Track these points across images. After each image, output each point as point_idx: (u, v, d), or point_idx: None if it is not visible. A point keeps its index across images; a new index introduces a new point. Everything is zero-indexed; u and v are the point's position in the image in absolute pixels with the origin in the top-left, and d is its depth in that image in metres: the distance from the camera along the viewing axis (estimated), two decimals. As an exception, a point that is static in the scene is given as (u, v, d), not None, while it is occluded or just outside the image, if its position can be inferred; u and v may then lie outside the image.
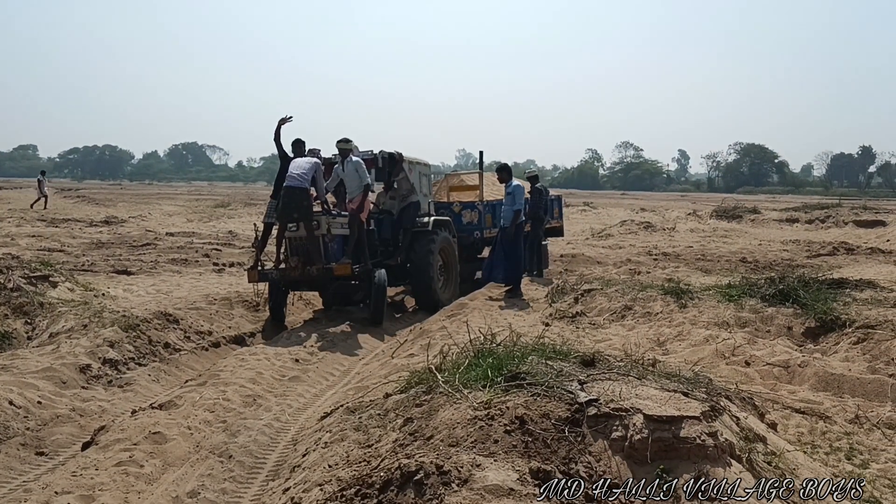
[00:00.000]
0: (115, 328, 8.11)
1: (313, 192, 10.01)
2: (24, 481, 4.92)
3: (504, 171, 12.02)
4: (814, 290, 8.26)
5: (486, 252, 14.36)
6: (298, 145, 10.54)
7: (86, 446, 5.40)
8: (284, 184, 9.84)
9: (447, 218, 12.55)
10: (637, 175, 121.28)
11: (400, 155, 11.70)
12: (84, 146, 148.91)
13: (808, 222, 29.15)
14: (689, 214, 32.92)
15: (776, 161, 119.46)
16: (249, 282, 10.29)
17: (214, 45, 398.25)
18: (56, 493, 4.30)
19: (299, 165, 9.91)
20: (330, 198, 10.85)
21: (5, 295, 8.89)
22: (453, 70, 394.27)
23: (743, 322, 7.77)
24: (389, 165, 11.73)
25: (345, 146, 10.49)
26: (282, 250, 10.16)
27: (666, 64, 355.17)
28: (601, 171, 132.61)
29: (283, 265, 10.13)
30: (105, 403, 6.70)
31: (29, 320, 8.60)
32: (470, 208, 13.64)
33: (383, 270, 10.47)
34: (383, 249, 11.65)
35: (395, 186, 11.92)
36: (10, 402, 6.05)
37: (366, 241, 10.52)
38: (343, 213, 10.50)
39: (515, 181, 11.89)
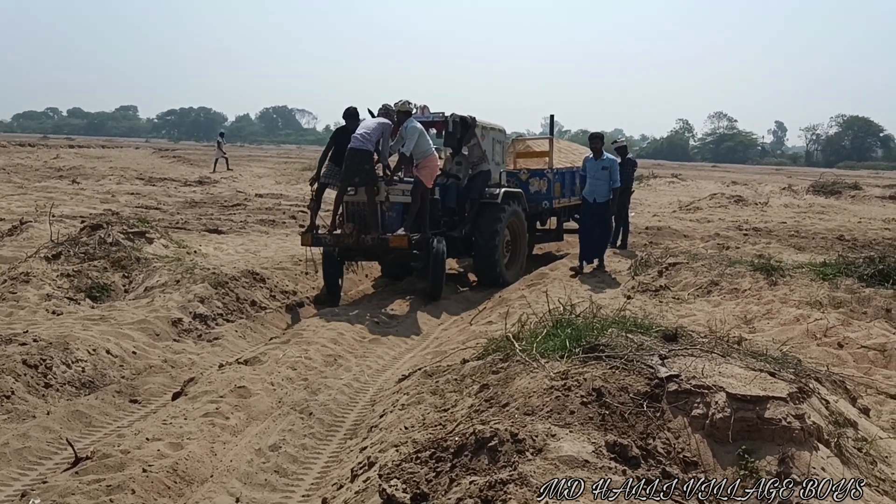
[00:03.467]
0: (206, 285, 8.43)
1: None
2: (118, 427, 5.20)
3: (599, 140, 11.02)
4: (916, 272, 7.82)
5: (549, 223, 13.67)
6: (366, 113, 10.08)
7: (176, 396, 5.64)
8: (349, 145, 9.37)
9: (519, 190, 11.76)
10: (730, 147, 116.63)
11: (473, 119, 10.75)
12: (181, 108, 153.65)
13: (913, 200, 27.52)
14: (784, 189, 31.48)
15: (881, 135, 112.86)
16: (303, 245, 9.86)
17: (305, 12, 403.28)
18: (147, 439, 4.50)
19: (366, 126, 9.47)
20: (393, 159, 10.06)
21: (105, 249, 9.35)
22: (541, 36, 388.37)
23: (837, 302, 7.43)
24: (461, 130, 10.73)
25: (402, 107, 9.83)
26: (338, 214, 9.76)
27: (764, 29, 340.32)
28: (692, 143, 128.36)
29: (337, 231, 9.69)
30: (194, 356, 7.00)
31: (126, 274, 9.03)
32: (538, 176, 12.70)
33: (443, 242, 9.80)
34: (447, 219, 10.83)
35: (465, 153, 11.23)
36: (108, 351, 6.39)
37: (428, 210, 9.90)
38: (406, 179, 9.82)
39: (606, 154, 11.04)
